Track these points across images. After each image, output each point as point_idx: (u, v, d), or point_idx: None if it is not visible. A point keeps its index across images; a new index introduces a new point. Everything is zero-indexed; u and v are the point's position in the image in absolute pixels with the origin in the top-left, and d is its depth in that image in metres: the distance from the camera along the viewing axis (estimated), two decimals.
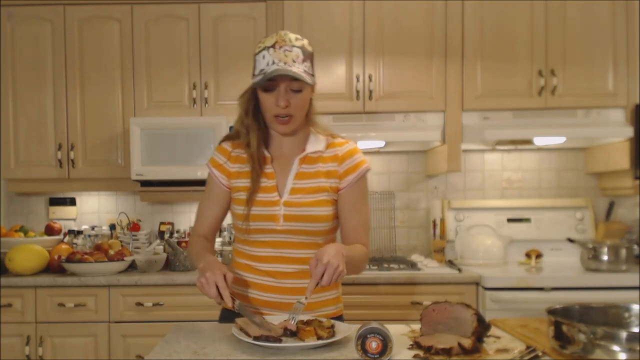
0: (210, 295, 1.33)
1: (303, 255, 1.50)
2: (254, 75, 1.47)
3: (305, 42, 1.47)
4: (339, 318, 1.57)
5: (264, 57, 1.43)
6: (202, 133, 2.78)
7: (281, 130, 1.50)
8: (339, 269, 1.31)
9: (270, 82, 1.43)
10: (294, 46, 1.43)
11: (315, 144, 1.54)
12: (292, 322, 1.28)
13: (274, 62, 1.41)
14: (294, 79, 1.42)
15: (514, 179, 3.18)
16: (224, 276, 1.34)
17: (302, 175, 1.52)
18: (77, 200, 3.24)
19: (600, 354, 1.02)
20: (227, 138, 1.62)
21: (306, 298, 1.32)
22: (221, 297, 1.32)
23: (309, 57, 1.46)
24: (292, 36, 1.46)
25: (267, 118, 1.50)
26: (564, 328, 1.10)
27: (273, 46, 1.42)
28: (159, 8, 2.90)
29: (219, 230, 1.64)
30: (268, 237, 1.50)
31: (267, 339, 1.20)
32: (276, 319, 1.37)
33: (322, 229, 1.51)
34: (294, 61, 1.42)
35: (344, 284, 2.53)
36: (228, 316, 1.56)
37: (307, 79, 1.43)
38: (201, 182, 2.80)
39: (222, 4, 2.88)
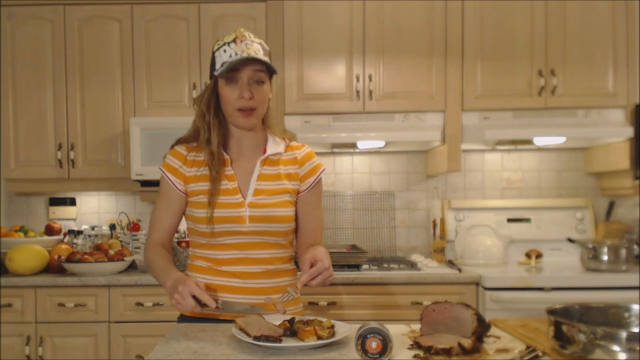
0: (188, 308, 1.31)
1: (267, 256, 1.52)
2: (213, 70, 1.49)
3: (262, 40, 1.52)
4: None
5: (225, 51, 1.46)
6: None
7: (243, 123, 1.49)
8: (331, 277, 1.36)
9: (234, 73, 1.45)
10: (253, 41, 1.48)
11: (275, 146, 1.56)
12: (279, 307, 1.33)
13: (236, 54, 1.44)
14: (258, 69, 1.45)
15: (514, 179, 3.18)
16: (196, 284, 1.33)
17: (264, 176, 1.53)
18: (77, 200, 3.24)
19: (600, 354, 1.02)
20: (180, 141, 1.59)
21: (297, 289, 1.37)
22: (200, 305, 1.31)
23: (267, 53, 1.50)
24: (251, 33, 1.51)
25: (228, 112, 1.50)
26: (564, 328, 1.10)
27: (234, 41, 1.46)
28: (159, 8, 2.90)
29: (174, 236, 1.61)
30: (232, 239, 1.50)
31: (267, 339, 1.20)
32: (276, 319, 1.37)
33: (286, 229, 1.53)
34: (255, 53, 1.45)
35: (344, 284, 2.54)
36: (186, 320, 1.56)
37: (272, 66, 1.46)
38: None
39: (222, 4, 2.89)
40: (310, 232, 1.58)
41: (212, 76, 1.52)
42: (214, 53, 1.49)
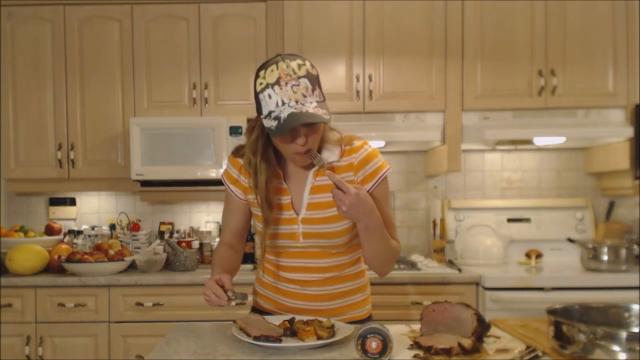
0: (214, 304, 1.32)
1: (326, 265, 1.49)
2: (260, 113, 1.35)
3: (307, 65, 1.34)
4: (367, 320, 1.56)
5: (270, 96, 1.30)
6: (202, 133, 2.78)
7: (302, 164, 1.43)
8: (342, 203, 1.30)
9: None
10: (299, 77, 1.30)
11: (328, 155, 1.46)
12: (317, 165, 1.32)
13: (284, 103, 1.29)
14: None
15: (514, 179, 3.18)
16: (216, 281, 1.34)
17: (317, 188, 1.45)
18: (77, 200, 3.24)
19: (600, 354, 1.02)
20: (238, 151, 1.53)
21: (324, 164, 1.36)
22: (228, 299, 1.32)
23: (316, 82, 1.34)
24: (294, 64, 1.32)
25: (284, 154, 1.43)
26: (564, 328, 1.10)
27: (277, 83, 1.30)
28: (159, 8, 2.90)
29: (246, 234, 1.62)
30: (291, 249, 1.49)
31: (267, 339, 1.20)
32: (277, 319, 1.37)
33: (342, 242, 1.48)
34: (304, 96, 1.30)
35: None
36: (257, 312, 1.57)
37: (325, 116, 1.30)
38: (201, 182, 2.80)
39: (222, 4, 2.88)
40: None
41: (258, 112, 1.37)
42: (257, 94, 1.34)
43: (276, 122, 1.29)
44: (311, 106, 1.30)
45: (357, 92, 2.80)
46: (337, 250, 1.49)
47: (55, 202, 3.23)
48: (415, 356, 1.14)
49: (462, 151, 2.90)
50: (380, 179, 1.46)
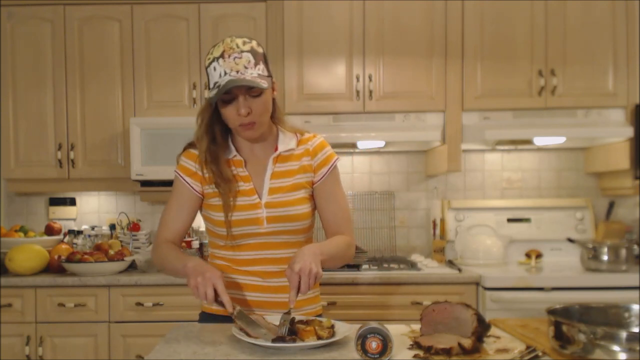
0: (206, 298, 1.29)
1: (286, 255, 1.49)
2: (209, 88, 1.45)
3: (253, 43, 1.45)
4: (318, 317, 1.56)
5: (215, 69, 1.41)
6: None
7: (248, 136, 1.49)
8: (312, 271, 1.31)
9: (228, 95, 1.40)
10: (242, 51, 1.41)
11: (286, 143, 1.54)
12: (284, 331, 1.25)
13: (226, 73, 1.39)
14: (250, 87, 1.40)
15: (514, 179, 3.18)
16: (222, 280, 1.32)
17: (278, 174, 1.52)
18: (77, 200, 3.24)
19: (600, 354, 1.02)
20: (192, 145, 1.58)
21: (291, 309, 1.29)
22: (215, 301, 1.30)
23: (260, 58, 1.44)
24: (239, 41, 1.43)
25: (231, 127, 1.49)
26: (564, 328, 1.10)
27: (222, 56, 1.40)
28: (159, 8, 2.90)
29: (183, 239, 1.60)
30: (250, 240, 1.49)
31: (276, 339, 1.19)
32: (277, 319, 1.37)
33: (303, 226, 1.52)
34: (246, 67, 1.39)
35: (344, 284, 2.54)
36: (207, 319, 1.55)
37: (262, 83, 1.39)
38: None
39: (222, 4, 2.89)
40: (331, 220, 1.56)
41: (208, 87, 1.47)
42: (206, 68, 1.45)
43: (216, 89, 1.39)
44: (250, 76, 1.39)
45: (357, 92, 2.80)
46: (296, 238, 1.52)
47: (55, 202, 3.23)
48: (415, 356, 1.14)
49: (462, 151, 2.90)
50: (333, 166, 1.57)
